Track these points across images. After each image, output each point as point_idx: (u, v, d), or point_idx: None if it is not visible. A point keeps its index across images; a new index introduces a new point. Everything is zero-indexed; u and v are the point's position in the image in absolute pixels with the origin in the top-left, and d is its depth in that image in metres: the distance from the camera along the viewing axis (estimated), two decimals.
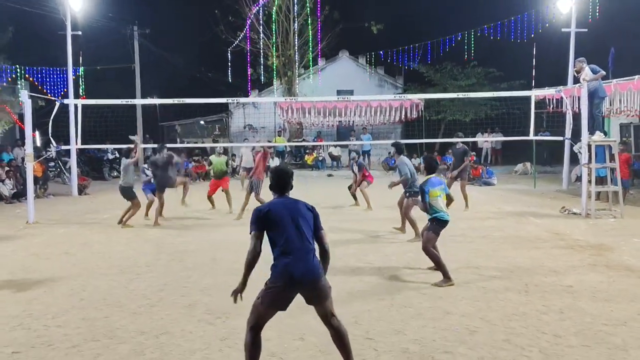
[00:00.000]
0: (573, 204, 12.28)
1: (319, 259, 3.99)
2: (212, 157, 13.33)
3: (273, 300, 3.87)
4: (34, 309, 5.68)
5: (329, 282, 3.99)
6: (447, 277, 6.42)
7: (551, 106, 16.77)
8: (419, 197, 7.84)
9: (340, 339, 3.95)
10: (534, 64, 18.19)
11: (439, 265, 6.52)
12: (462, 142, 12.72)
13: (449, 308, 5.56)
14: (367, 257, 7.84)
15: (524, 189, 16.65)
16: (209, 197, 12.74)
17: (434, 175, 6.97)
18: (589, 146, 11.28)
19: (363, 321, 5.24)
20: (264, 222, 3.94)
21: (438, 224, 6.68)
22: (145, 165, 13.34)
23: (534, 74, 18.15)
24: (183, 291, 6.29)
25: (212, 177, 13.08)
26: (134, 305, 5.78)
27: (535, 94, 14.77)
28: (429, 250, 6.60)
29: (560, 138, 14.21)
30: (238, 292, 4.03)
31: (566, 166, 16.77)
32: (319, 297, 3.92)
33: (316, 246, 4.02)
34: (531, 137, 14.39)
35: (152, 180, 11.43)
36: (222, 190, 12.56)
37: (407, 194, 9.13)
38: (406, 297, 5.97)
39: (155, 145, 13.30)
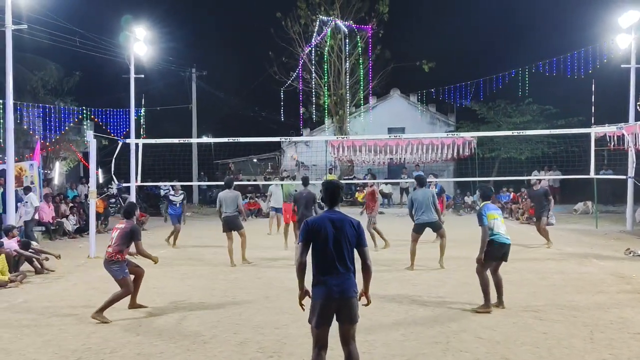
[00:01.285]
0: (638, 245, 11.67)
1: (354, 278, 4.19)
2: (280, 184, 13.89)
3: (319, 319, 4.10)
4: (93, 343, 5.83)
5: (358, 314, 4.22)
6: (486, 305, 6.75)
7: (612, 143, 16.18)
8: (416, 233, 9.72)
9: None
10: (593, 100, 17.69)
11: (484, 291, 6.78)
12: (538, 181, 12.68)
13: (509, 355, 5.33)
14: (422, 298, 7.67)
15: (585, 229, 15.97)
16: (287, 226, 12.89)
17: (489, 201, 7.22)
18: None
19: None
20: (309, 234, 4.18)
21: (493, 247, 6.84)
22: (170, 190, 13.88)
23: (593, 111, 17.63)
24: (235, 328, 6.31)
25: (285, 201, 13.60)
26: (187, 342, 5.84)
27: (595, 131, 14.31)
28: (480, 273, 6.87)
29: (623, 177, 13.64)
30: (299, 299, 4.30)
31: (630, 206, 16.00)
32: (348, 316, 4.12)
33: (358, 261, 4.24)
34: (592, 175, 13.88)
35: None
36: (285, 224, 12.93)
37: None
38: (462, 340, 5.76)
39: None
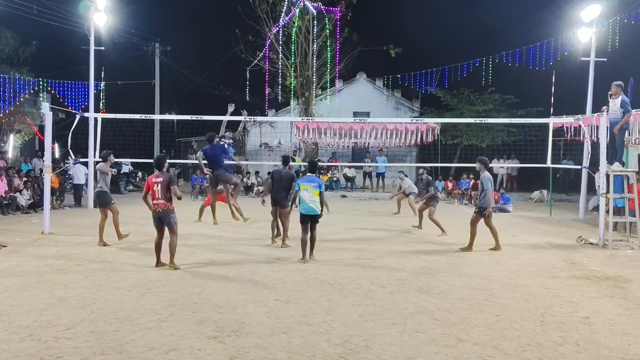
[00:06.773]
0: (590, 233, 12.10)
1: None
2: None
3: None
4: (45, 320, 5.68)
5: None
6: None
7: (569, 134, 16.65)
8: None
9: None
10: (552, 91, 18.12)
11: None
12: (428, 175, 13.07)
13: (462, 335, 5.46)
14: (380, 280, 7.76)
15: (540, 216, 16.45)
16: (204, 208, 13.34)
17: None
18: (607, 176, 11.15)
19: (374, 345, 5.16)
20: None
21: None
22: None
23: (552, 102, 18.07)
24: (194, 307, 6.26)
25: None
26: (144, 320, 5.76)
27: (553, 121, 14.68)
28: None
29: (579, 167, 14.08)
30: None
31: (583, 195, 16.57)
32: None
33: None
34: (548, 164, 14.27)
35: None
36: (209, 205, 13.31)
37: (477, 210, 10.25)
38: (418, 322, 5.87)
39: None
